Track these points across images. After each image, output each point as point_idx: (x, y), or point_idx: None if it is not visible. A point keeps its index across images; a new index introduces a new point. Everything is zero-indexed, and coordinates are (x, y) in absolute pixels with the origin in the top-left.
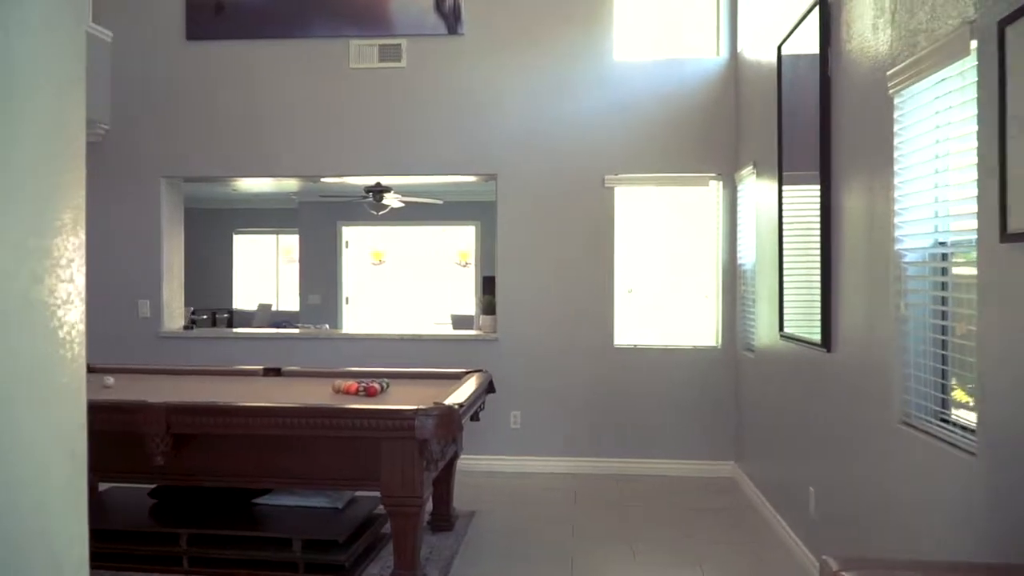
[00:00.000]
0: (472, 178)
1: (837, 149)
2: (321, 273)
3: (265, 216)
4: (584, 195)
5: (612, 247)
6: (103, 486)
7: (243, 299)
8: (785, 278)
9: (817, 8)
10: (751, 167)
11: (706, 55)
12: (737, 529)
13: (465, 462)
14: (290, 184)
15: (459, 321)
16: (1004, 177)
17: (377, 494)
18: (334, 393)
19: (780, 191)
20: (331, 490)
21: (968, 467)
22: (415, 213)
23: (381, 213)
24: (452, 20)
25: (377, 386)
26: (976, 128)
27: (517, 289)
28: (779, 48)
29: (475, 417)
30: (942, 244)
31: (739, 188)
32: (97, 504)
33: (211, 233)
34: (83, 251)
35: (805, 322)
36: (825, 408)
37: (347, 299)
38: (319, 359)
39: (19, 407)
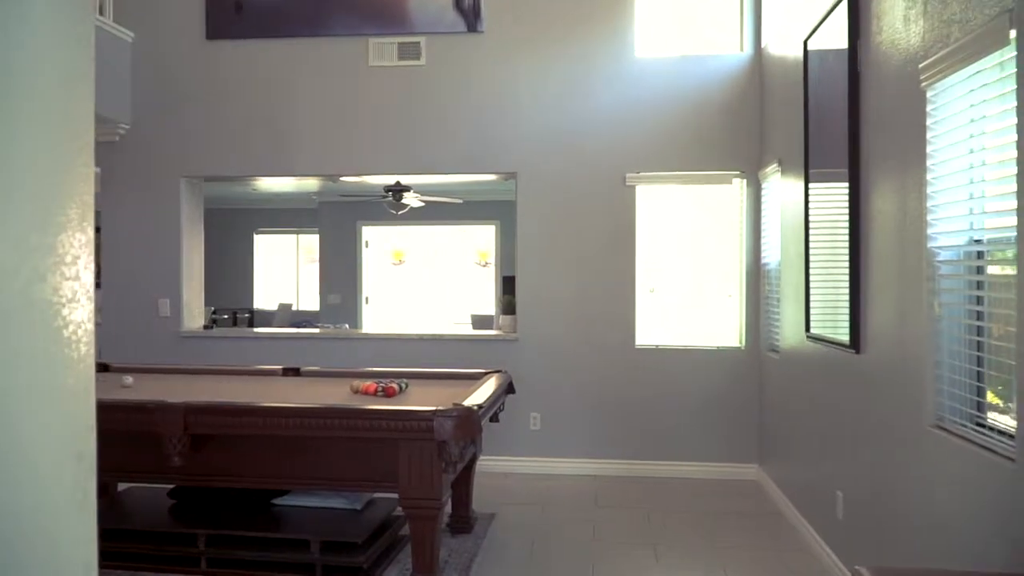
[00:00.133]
0: (492, 177)
1: (867, 145)
2: (341, 273)
3: (285, 216)
4: (605, 193)
5: (633, 246)
6: (122, 486)
7: (264, 299)
8: (812, 278)
9: (845, 1)
10: (776, 165)
11: (729, 51)
12: (762, 533)
13: (484, 463)
14: (310, 184)
15: (479, 321)
16: None
17: (396, 495)
18: (352, 393)
19: (806, 189)
20: (349, 491)
21: (1006, 473)
22: (435, 213)
23: (401, 213)
24: (471, 17)
25: (396, 386)
26: (1015, 121)
27: (537, 289)
28: (805, 43)
29: (495, 418)
30: (978, 242)
31: (763, 186)
32: (116, 504)
33: (232, 233)
34: (91, 248)
35: (832, 323)
36: (853, 410)
37: (367, 299)
38: (338, 359)
39: (21, 408)
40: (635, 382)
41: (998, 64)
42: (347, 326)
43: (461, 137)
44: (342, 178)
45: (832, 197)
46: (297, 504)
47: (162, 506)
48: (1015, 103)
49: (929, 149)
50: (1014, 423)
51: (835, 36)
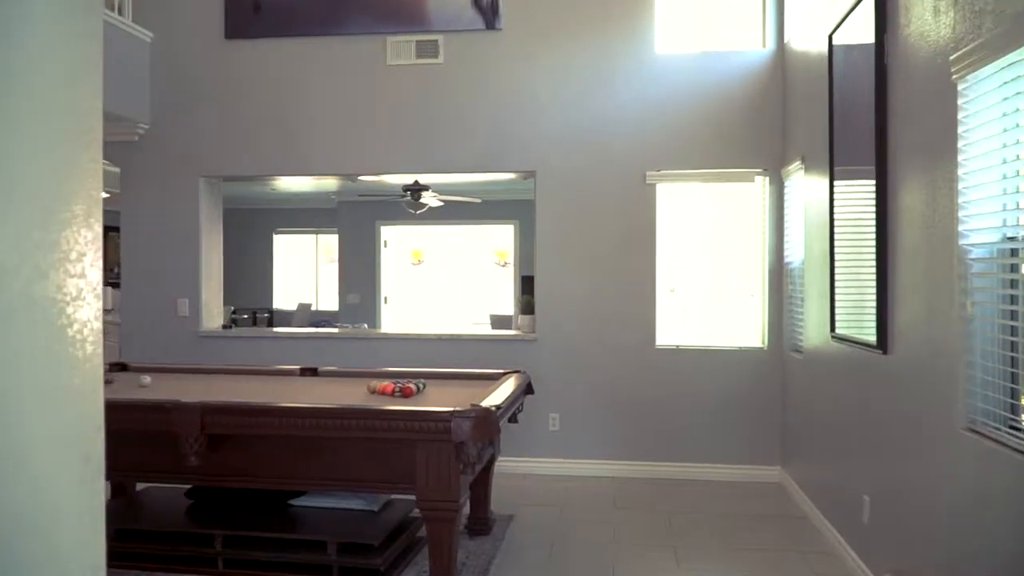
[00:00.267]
0: (511, 175)
1: (894, 140)
2: (360, 273)
3: (305, 216)
4: (625, 192)
5: (654, 245)
6: (140, 486)
7: (283, 299)
8: (837, 277)
9: None
10: (799, 162)
11: (751, 47)
12: (785, 536)
13: (503, 464)
14: (329, 184)
15: (498, 321)
16: None
17: (413, 497)
18: (369, 394)
19: (831, 186)
20: (366, 493)
21: None
22: (454, 212)
23: (419, 212)
24: (490, 15)
25: (413, 387)
26: None
27: (556, 288)
28: (830, 37)
29: (513, 419)
30: (1011, 239)
31: (786, 184)
32: (133, 504)
33: (252, 233)
34: (98, 245)
35: (858, 322)
36: (880, 412)
37: (385, 299)
38: (357, 359)
39: (22, 408)
40: (655, 382)
41: None
42: (365, 326)
43: (479, 135)
44: (360, 177)
45: (858, 194)
46: (314, 505)
47: (179, 506)
48: None
49: (961, 144)
50: None
51: (861, 29)
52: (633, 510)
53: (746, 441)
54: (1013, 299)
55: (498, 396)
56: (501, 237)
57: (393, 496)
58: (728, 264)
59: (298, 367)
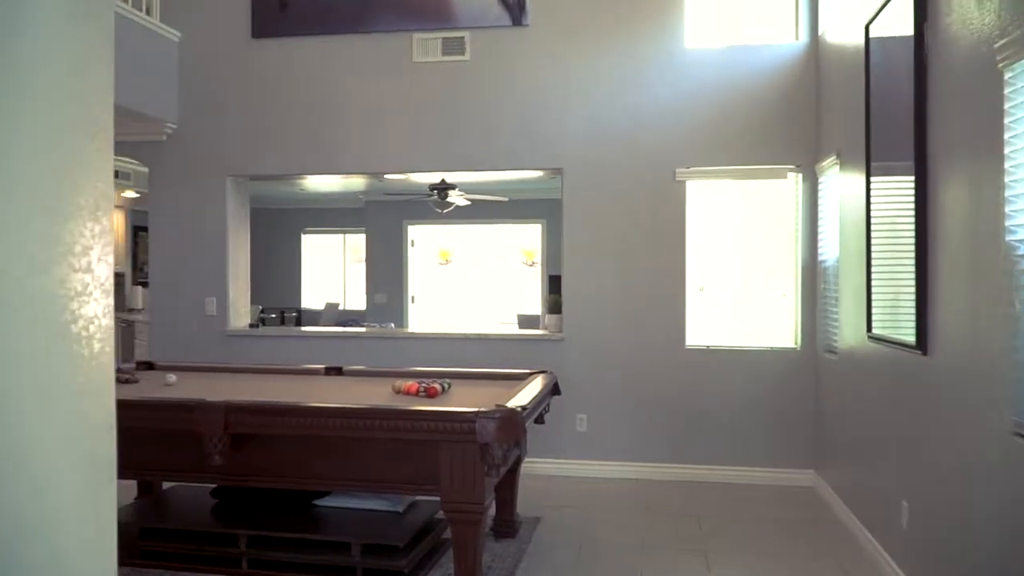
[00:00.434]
0: (537, 173)
1: (934, 134)
2: (387, 272)
3: (332, 216)
4: (654, 189)
5: (683, 243)
6: (165, 484)
7: (311, 298)
8: (874, 275)
9: None
10: (834, 157)
11: (784, 40)
12: (819, 542)
13: (529, 466)
14: (356, 183)
15: (525, 321)
16: None
17: (438, 498)
18: (394, 394)
19: (868, 182)
20: (390, 494)
21: None
22: (481, 211)
23: (446, 211)
24: (516, 11)
25: (438, 387)
26: None
27: (584, 287)
28: (867, 28)
29: (540, 420)
30: None
31: (820, 180)
32: (159, 503)
33: (280, 233)
34: (107, 239)
35: (896, 322)
36: (920, 415)
37: (413, 298)
38: (384, 358)
39: (20, 407)
40: (685, 383)
41: None
42: (392, 325)
43: (506, 133)
44: (387, 176)
45: (896, 190)
46: (338, 505)
47: (204, 505)
48: None
49: (1007, 135)
50: None
51: (899, 19)
52: (662, 513)
53: (778, 443)
54: None
55: (524, 397)
56: (528, 236)
57: (418, 497)
58: (759, 262)
59: (323, 366)
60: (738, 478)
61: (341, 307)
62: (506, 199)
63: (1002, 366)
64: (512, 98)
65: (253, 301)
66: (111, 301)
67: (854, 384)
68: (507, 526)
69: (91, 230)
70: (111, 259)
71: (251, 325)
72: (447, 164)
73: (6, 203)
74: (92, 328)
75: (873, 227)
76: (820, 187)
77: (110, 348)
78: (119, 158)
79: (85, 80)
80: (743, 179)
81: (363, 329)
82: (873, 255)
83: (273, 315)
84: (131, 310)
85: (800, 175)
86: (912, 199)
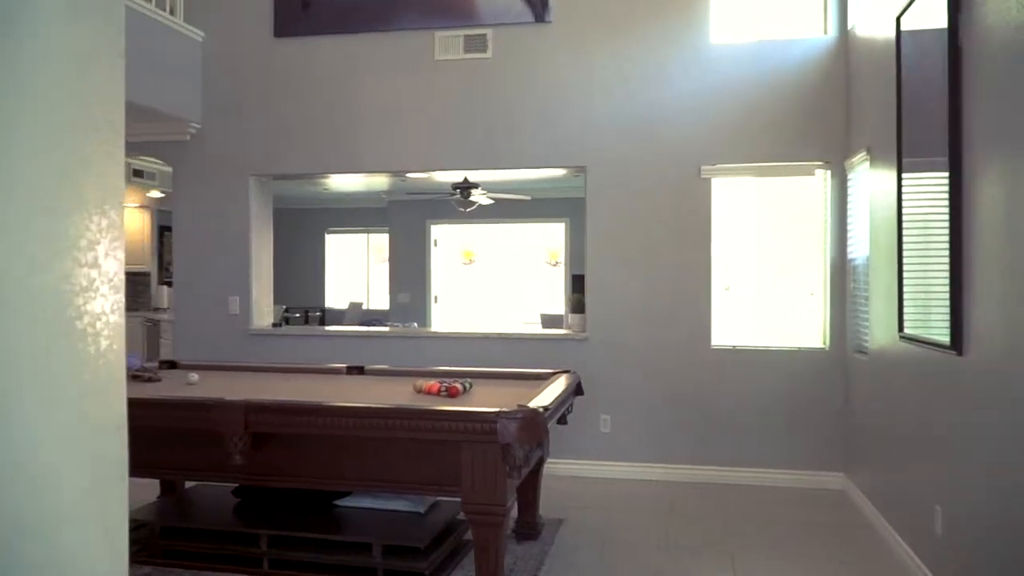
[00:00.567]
0: (560, 171)
1: (969, 128)
2: (410, 272)
3: (356, 216)
4: (679, 187)
5: (709, 242)
6: (188, 483)
7: (335, 298)
8: (906, 274)
9: None
10: (864, 153)
11: (812, 34)
12: (849, 546)
13: (552, 467)
14: (379, 183)
15: (549, 320)
16: None
17: (459, 499)
18: (415, 393)
19: (899, 178)
20: (412, 494)
21: None
22: (504, 211)
23: (469, 210)
24: (539, 7)
25: (459, 386)
26: None
27: (607, 286)
28: (898, 20)
29: (562, 420)
30: None
31: (850, 176)
32: (181, 502)
33: (304, 233)
34: (116, 234)
35: (930, 322)
36: (954, 417)
37: (436, 298)
38: (406, 358)
39: (19, 406)
40: (711, 384)
41: None
42: (415, 325)
43: (528, 130)
44: (409, 175)
45: (929, 186)
46: (359, 506)
47: (226, 505)
48: None
49: None
50: None
51: (933, 11)
52: (687, 515)
53: (807, 445)
54: None
55: (546, 397)
56: (552, 236)
57: (440, 498)
58: (787, 261)
59: (344, 366)
60: (765, 480)
61: (365, 307)
62: (529, 198)
63: None
64: (535, 95)
65: (278, 301)
66: (120, 297)
67: (886, 385)
68: (529, 527)
69: (97, 224)
70: (121, 254)
71: (274, 324)
72: (469, 162)
73: (6, 197)
74: (99, 325)
75: (905, 224)
76: (849, 184)
77: (119, 346)
78: (143, 158)
79: (90, 71)
80: (770, 176)
81: (385, 329)
82: (905, 253)
83: (297, 315)
84: (157, 309)
85: (829, 172)
86: (946, 195)
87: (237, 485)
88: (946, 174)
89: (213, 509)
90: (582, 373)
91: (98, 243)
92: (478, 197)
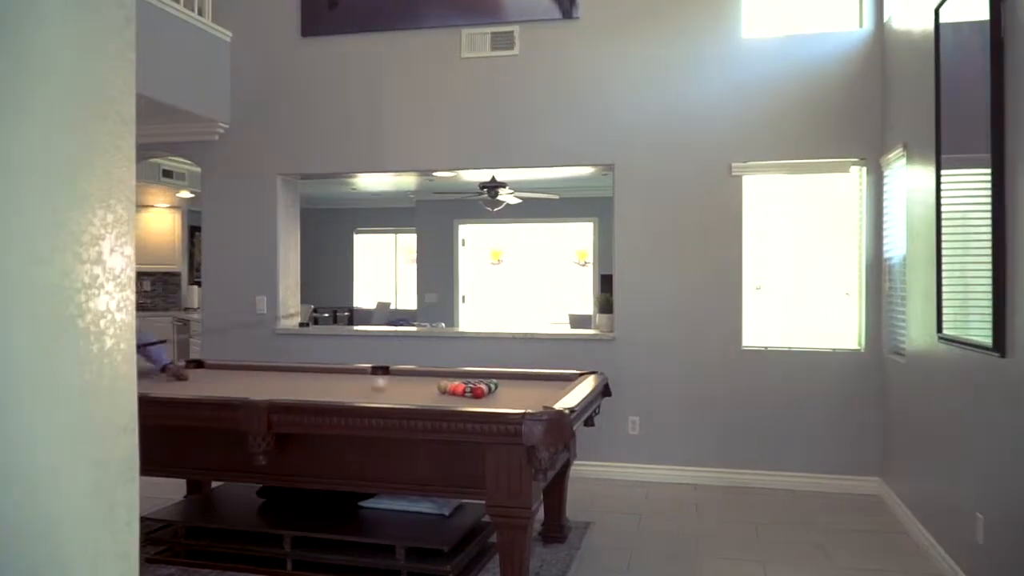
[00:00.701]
0: (588, 170)
1: (1013, 123)
2: (438, 272)
3: (384, 215)
4: (709, 184)
5: (740, 241)
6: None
7: (363, 298)
8: (945, 273)
9: None
10: (900, 150)
11: (846, 28)
12: (886, 553)
13: (580, 469)
14: (407, 182)
15: (577, 320)
16: None
17: (483, 502)
18: (440, 394)
19: (938, 174)
20: (436, 496)
21: None
22: (531, 210)
23: (497, 210)
24: (567, 3)
25: (484, 387)
26: None
27: (636, 286)
28: (936, 12)
29: (589, 422)
30: None
31: (886, 173)
32: (206, 502)
33: (332, 233)
34: (123, 229)
35: (970, 323)
36: (997, 421)
37: (463, 298)
38: (432, 358)
39: (16, 406)
40: (741, 385)
41: None
42: (443, 325)
43: (556, 128)
44: (437, 174)
45: (969, 183)
46: (384, 507)
47: (251, 505)
48: None
49: None
50: None
51: (973, 2)
52: (718, 519)
53: (841, 449)
54: None
55: (572, 398)
56: (580, 236)
57: (465, 500)
58: (821, 260)
59: (370, 366)
60: (798, 484)
61: (392, 307)
62: (557, 197)
63: None
64: (562, 93)
65: (306, 300)
66: (129, 295)
67: (924, 387)
68: (556, 531)
69: (102, 218)
70: (129, 251)
71: (302, 324)
72: (496, 161)
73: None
74: (103, 323)
75: (944, 222)
76: (885, 181)
77: (126, 345)
78: (173, 159)
79: (99, 60)
80: (803, 173)
81: (412, 328)
82: (944, 252)
83: (326, 314)
84: (187, 309)
85: (864, 169)
86: (988, 192)
87: (261, 486)
88: (988, 170)
89: (238, 509)
90: (610, 374)
91: (102, 238)
92: (506, 196)
